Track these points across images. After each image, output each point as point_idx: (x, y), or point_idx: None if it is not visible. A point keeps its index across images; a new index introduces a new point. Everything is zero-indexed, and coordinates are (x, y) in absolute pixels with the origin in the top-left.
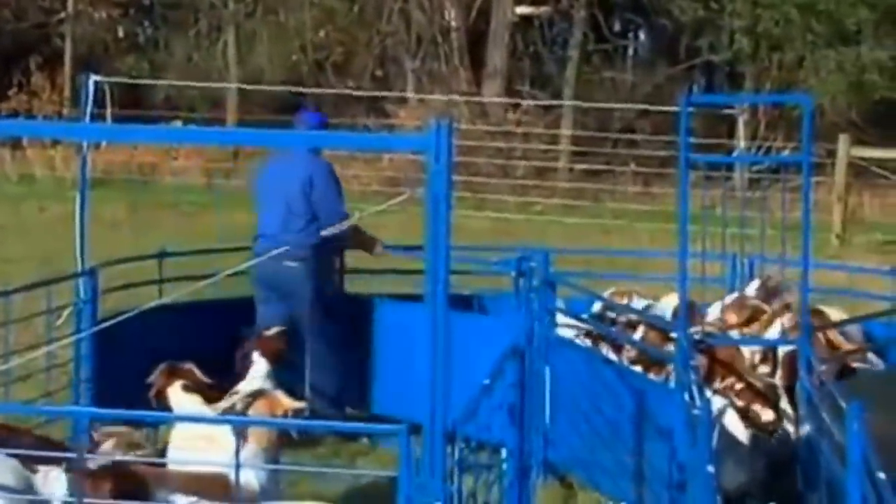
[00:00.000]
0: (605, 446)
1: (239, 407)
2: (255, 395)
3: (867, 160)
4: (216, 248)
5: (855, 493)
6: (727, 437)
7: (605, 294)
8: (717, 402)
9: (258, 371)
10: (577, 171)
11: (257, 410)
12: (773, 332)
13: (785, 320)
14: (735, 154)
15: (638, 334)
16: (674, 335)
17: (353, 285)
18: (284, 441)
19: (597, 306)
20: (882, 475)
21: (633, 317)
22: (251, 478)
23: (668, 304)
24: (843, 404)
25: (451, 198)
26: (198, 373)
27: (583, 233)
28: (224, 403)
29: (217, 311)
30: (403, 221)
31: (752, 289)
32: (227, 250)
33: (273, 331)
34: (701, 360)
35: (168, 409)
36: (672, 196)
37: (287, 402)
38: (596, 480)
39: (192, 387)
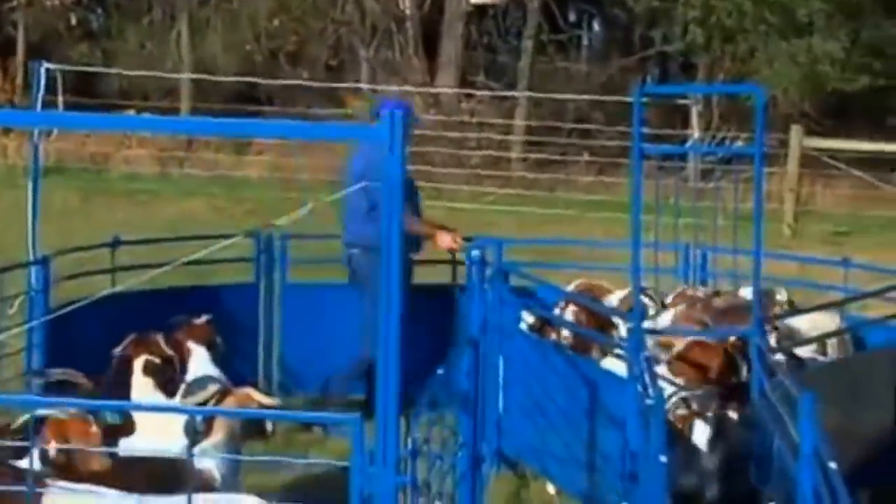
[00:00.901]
0: (558, 436)
1: (211, 402)
2: (227, 391)
3: (819, 151)
4: (169, 237)
5: (807, 484)
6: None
7: (571, 287)
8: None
9: (200, 357)
10: (530, 160)
11: (229, 406)
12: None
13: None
14: (688, 144)
15: (568, 314)
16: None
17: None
18: (252, 436)
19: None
20: (834, 466)
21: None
22: (212, 468)
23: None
24: (796, 396)
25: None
26: (163, 345)
27: (536, 223)
28: (197, 398)
29: (170, 300)
30: None
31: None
32: (180, 239)
33: (202, 319)
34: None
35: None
36: (625, 186)
37: (260, 399)
38: (549, 470)
39: (155, 365)
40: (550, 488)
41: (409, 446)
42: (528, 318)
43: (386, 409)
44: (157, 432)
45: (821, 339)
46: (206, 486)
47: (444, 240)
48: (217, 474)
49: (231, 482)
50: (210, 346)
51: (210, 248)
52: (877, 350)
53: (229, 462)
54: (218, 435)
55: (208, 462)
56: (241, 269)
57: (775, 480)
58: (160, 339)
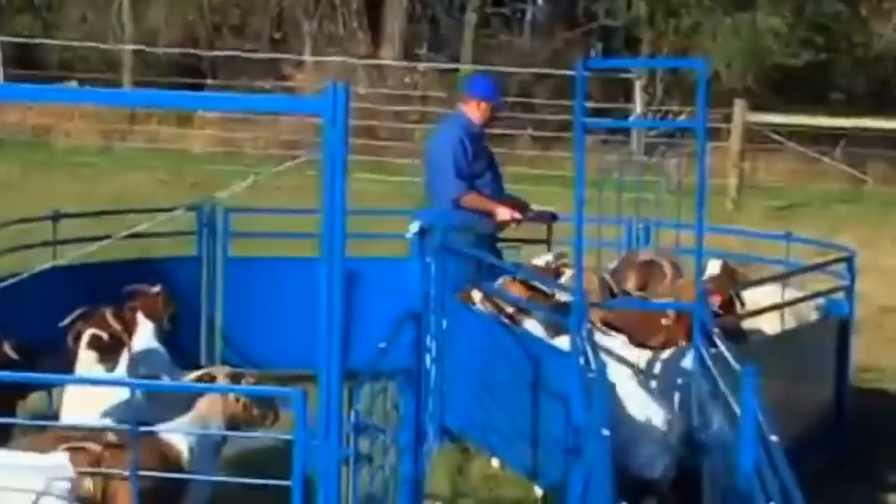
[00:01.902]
0: (502, 410)
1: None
2: (213, 374)
3: (762, 126)
4: (111, 210)
5: (748, 457)
6: (641, 420)
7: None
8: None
9: (145, 331)
10: None
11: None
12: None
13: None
14: (631, 119)
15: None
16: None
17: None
18: (242, 419)
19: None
20: (774, 439)
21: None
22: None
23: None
24: (737, 368)
25: (348, 161)
26: (111, 320)
27: None
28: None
29: (112, 273)
30: (300, 185)
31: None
32: (122, 212)
33: (155, 290)
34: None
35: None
36: (569, 160)
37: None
38: (492, 445)
39: (99, 339)
40: (494, 462)
41: (352, 420)
42: (476, 296)
43: (329, 383)
44: (90, 407)
45: (760, 313)
46: (174, 461)
47: (503, 213)
48: (186, 452)
49: (205, 463)
50: (159, 319)
51: (152, 221)
52: (818, 323)
53: (208, 442)
54: (201, 412)
55: (177, 438)
56: (184, 242)
57: (716, 454)
58: (108, 312)
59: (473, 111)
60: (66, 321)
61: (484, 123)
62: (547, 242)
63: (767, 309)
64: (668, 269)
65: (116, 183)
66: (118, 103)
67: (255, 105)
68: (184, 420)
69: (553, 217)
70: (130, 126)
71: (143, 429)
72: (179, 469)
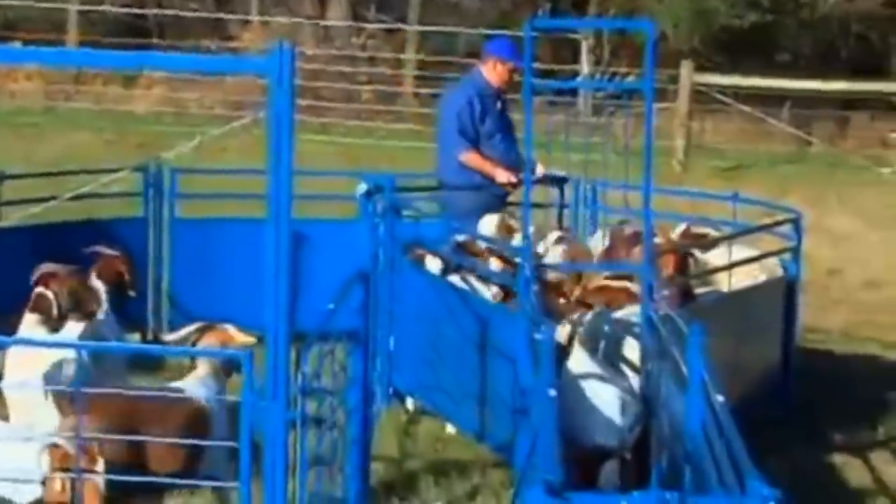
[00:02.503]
0: (449, 372)
1: (190, 339)
2: (206, 328)
3: (709, 87)
4: (56, 172)
5: (694, 416)
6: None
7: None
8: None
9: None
10: (422, 95)
11: (209, 343)
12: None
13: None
14: (579, 80)
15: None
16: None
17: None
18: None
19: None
20: (720, 398)
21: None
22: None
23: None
24: (684, 328)
25: (294, 121)
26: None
27: (428, 158)
28: (174, 336)
29: (58, 235)
30: (247, 145)
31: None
32: (67, 173)
33: (112, 252)
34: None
35: None
36: (516, 122)
37: (239, 338)
38: (439, 406)
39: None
40: (450, 428)
41: (300, 382)
42: (433, 265)
43: (276, 344)
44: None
45: (711, 273)
46: (200, 416)
47: (501, 176)
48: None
49: (220, 414)
50: (113, 282)
51: (98, 182)
52: (764, 283)
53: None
54: (203, 368)
55: (201, 391)
56: (130, 203)
57: (663, 415)
58: (64, 272)
59: (490, 71)
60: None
61: (501, 85)
62: (560, 207)
63: (715, 270)
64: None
65: (61, 143)
66: (63, 63)
67: (200, 65)
68: (200, 373)
69: (562, 180)
70: (75, 86)
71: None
72: (206, 426)
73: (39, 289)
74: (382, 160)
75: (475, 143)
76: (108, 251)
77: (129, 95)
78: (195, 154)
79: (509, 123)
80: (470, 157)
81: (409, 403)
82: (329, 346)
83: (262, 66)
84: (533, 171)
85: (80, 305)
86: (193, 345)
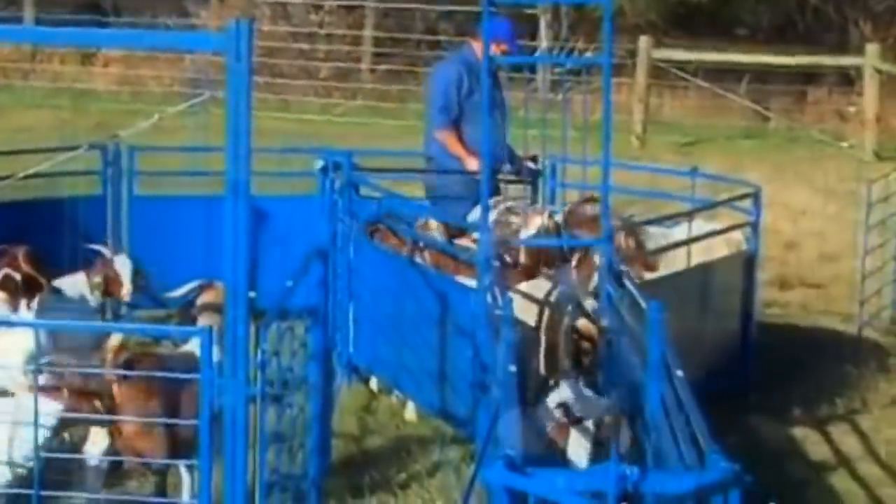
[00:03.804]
0: (409, 348)
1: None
2: (205, 286)
3: (667, 62)
4: (13, 150)
5: (654, 391)
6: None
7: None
8: None
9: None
10: (380, 72)
11: (207, 300)
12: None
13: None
14: (537, 55)
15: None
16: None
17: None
18: None
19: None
20: (680, 374)
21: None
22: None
23: None
24: (643, 304)
25: (252, 98)
26: (21, 261)
27: (386, 134)
28: (175, 294)
29: (15, 213)
30: (205, 122)
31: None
32: (24, 151)
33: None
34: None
35: None
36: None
37: None
38: (400, 383)
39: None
40: (409, 413)
41: (259, 358)
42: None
43: (235, 321)
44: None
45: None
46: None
47: (472, 164)
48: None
49: None
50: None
51: (55, 160)
52: (723, 258)
53: None
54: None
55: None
56: (88, 181)
57: (623, 390)
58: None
59: (482, 50)
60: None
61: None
62: (533, 187)
63: (675, 245)
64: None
65: (18, 121)
66: (19, 40)
67: (158, 42)
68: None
69: (536, 173)
70: (32, 64)
71: None
72: None
73: (6, 270)
74: (340, 137)
75: (457, 121)
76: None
77: (87, 73)
78: (153, 132)
79: (502, 103)
80: (445, 136)
81: (374, 384)
82: (288, 323)
83: (219, 42)
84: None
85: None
86: (193, 302)
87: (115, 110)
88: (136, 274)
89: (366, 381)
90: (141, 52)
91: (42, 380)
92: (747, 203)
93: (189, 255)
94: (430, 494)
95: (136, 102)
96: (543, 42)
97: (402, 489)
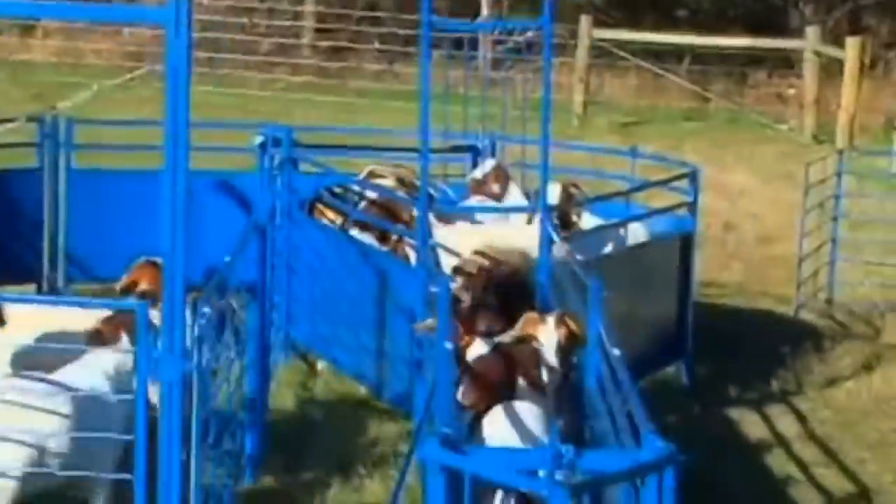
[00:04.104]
0: (347, 325)
1: None
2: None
3: (608, 42)
4: None
5: (591, 368)
6: None
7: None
8: None
9: None
10: (320, 48)
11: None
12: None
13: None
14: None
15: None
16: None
17: None
18: None
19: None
20: (616, 352)
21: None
22: None
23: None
24: (585, 282)
25: (191, 73)
26: None
27: (327, 111)
28: None
29: None
30: (147, 96)
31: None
32: None
33: None
34: None
35: None
36: (415, 76)
37: None
38: (338, 359)
39: None
40: (348, 381)
41: (196, 334)
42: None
43: (172, 296)
44: None
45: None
46: None
47: None
48: None
49: None
50: None
51: None
52: (661, 238)
53: None
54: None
55: None
56: (25, 154)
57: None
58: None
59: None
60: None
61: None
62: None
63: (612, 225)
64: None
65: None
66: None
67: (97, 15)
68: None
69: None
70: None
71: None
72: None
73: None
74: (280, 113)
75: None
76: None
77: (26, 45)
78: (92, 105)
79: None
80: None
81: (312, 360)
82: (226, 299)
83: (158, 16)
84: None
85: None
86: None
87: (53, 82)
88: None
89: (303, 358)
90: (80, 24)
91: None
92: (685, 183)
93: (126, 229)
94: (367, 470)
95: (75, 75)
96: (485, 10)
97: (338, 465)
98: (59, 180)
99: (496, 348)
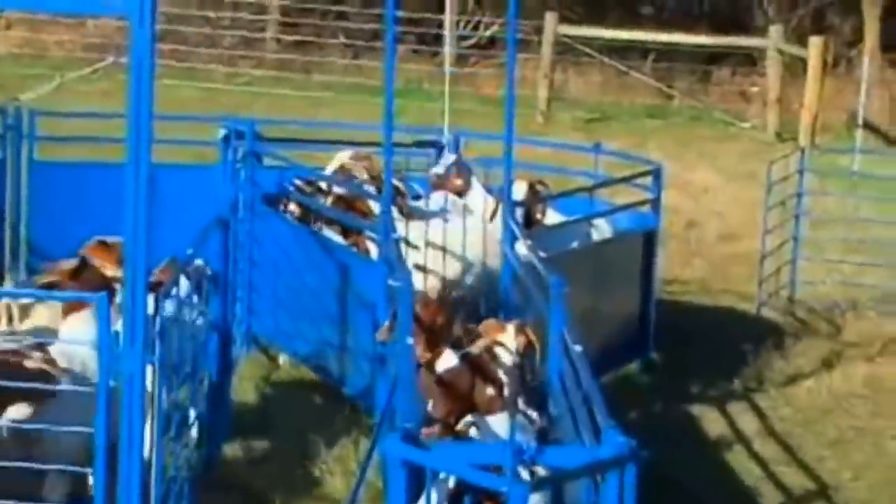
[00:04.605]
0: (309, 319)
1: None
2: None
3: (573, 38)
4: None
5: (554, 363)
6: None
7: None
8: None
9: None
10: (285, 42)
11: None
12: None
13: None
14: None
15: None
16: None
17: None
18: None
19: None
20: (578, 348)
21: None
22: None
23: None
24: (547, 278)
25: (155, 65)
26: None
27: (291, 105)
28: None
29: None
30: (108, 88)
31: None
32: None
33: None
34: None
35: None
36: (380, 70)
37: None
38: (299, 352)
39: None
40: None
41: (157, 326)
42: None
43: (134, 288)
44: None
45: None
46: None
47: None
48: None
49: None
50: None
51: None
52: (624, 234)
53: None
54: None
55: None
56: None
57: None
58: None
59: None
60: None
61: None
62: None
63: (575, 221)
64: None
65: None
66: None
67: (60, 6)
68: None
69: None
70: None
71: None
72: None
73: None
74: (244, 106)
75: None
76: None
77: None
78: (55, 96)
79: None
80: None
81: (273, 354)
82: (188, 292)
83: (122, 7)
84: None
85: None
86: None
87: (16, 74)
88: None
89: (265, 351)
90: (44, 15)
91: None
92: (649, 181)
93: (89, 221)
94: (328, 465)
95: (38, 66)
96: (449, 16)
97: (300, 459)
98: (21, 172)
99: (465, 358)
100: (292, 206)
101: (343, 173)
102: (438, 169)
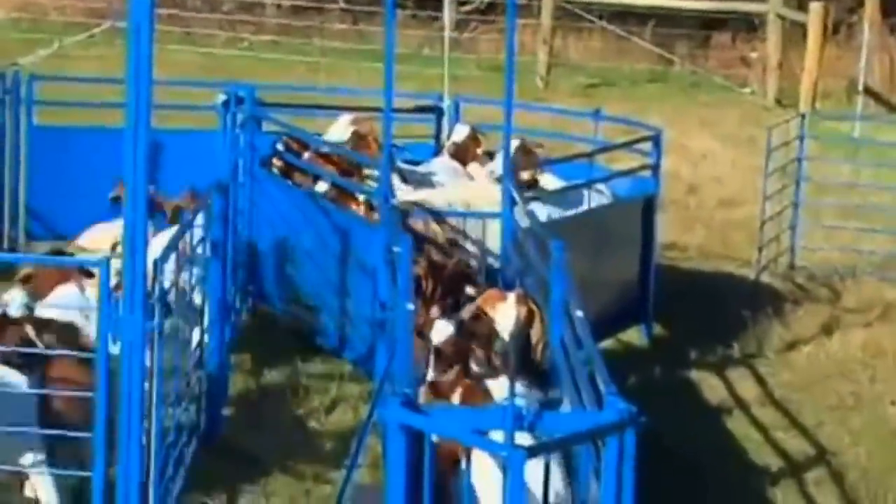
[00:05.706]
0: (309, 284)
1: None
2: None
3: (573, 3)
4: None
5: (556, 329)
6: None
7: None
8: None
9: None
10: (285, 7)
11: None
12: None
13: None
14: None
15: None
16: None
17: None
18: None
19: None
20: (580, 314)
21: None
22: None
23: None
24: (547, 243)
25: (155, 30)
26: None
27: (291, 69)
28: None
29: None
30: (108, 53)
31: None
32: None
33: None
34: None
35: None
36: (380, 35)
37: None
38: (299, 318)
39: None
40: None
41: (157, 292)
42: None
43: (133, 253)
44: None
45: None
46: None
47: None
48: None
49: None
50: None
51: None
52: (624, 201)
53: None
54: None
55: None
56: None
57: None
58: None
59: None
60: None
61: None
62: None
63: (575, 186)
64: None
65: None
66: None
67: None
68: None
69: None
70: None
71: None
72: None
73: None
74: (244, 71)
75: None
76: None
77: None
78: (54, 61)
79: None
80: None
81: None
82: (188, 256)
83: None
84: None
85: None
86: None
87: (14, 39)
88: None
89: (264, 316)
90: None
91: None
92: (648, 146)
93: (88, 186)
94: (327, 430)
95: (36, 31)
96: None
97: (299, 425)
98: (20, 137)
99: (460, 326)
100: (275, 161)
101: (359, 139)
102: (456, 138)
